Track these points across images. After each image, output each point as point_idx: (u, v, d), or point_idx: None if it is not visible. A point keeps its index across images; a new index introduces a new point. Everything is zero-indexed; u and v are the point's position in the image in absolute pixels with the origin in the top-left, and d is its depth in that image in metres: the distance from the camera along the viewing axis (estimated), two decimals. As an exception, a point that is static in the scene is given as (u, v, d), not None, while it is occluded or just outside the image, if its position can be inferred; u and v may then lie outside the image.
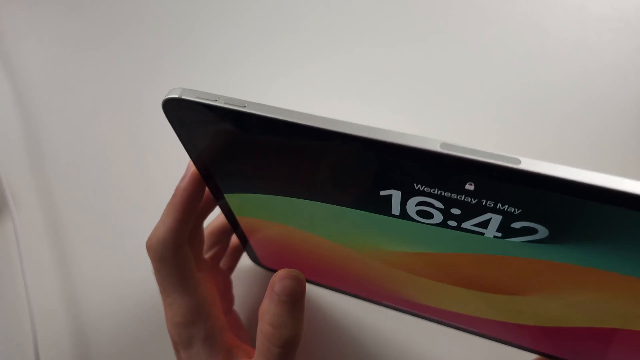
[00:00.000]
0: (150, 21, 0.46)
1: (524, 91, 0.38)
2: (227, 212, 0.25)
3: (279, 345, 0.21)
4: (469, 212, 0.15)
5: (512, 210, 0.14)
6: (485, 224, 0.16)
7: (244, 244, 0.29)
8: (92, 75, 0.43)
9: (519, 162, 0.13)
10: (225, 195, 0.23)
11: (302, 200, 0.20)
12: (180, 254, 0.23)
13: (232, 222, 0.26)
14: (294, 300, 0.20)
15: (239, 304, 0.31)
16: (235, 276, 0.31)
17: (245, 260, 0.32)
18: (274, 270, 0.31)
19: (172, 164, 0.36)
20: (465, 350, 0.29)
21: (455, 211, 0.16)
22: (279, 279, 0.21)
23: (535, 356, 0.25)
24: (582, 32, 0.40)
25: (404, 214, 0.17)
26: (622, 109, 0.36)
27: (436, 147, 0.13)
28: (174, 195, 0.23)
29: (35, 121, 0.41)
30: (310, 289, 0.31)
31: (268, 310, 0.21)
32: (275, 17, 0.45)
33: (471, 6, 0.43)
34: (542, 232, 0.15)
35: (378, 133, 0.14)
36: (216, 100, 0.16)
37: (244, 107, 0.16)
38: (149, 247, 0.23)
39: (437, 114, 0.38)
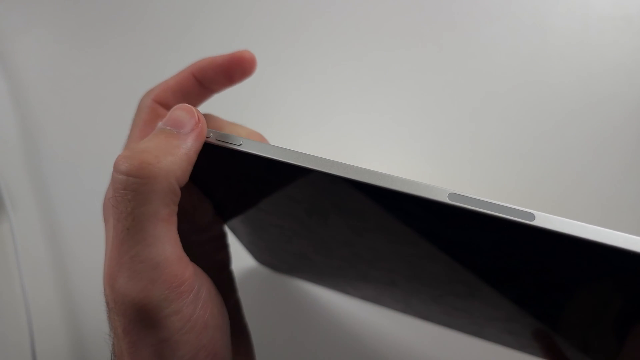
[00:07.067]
0: (150, 18, 0.44)
1: (523, 88, 0.37)
2: None
3: None
4: None
5: None
6: None
7: (249, 248, 0.29)
8: (90, 73, 0.42)
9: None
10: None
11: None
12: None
13: None
14: None
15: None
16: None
17: (245, 261, 0.32)
18: (278, 271, 0.32)
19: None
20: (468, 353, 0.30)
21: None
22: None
23: None
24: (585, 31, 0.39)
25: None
26: (625, 108, 0.36)
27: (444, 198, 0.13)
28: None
29: (31, 120, 0.40)
30: (315, 290, 0.32)
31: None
32: (284, 21, 0.44)
33: (474, 5, 0.42)
34: None
35: (384, 180, 0.14)
36: (209, 137, 0.17)
37: (240, 145, 0.16)
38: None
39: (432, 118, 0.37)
